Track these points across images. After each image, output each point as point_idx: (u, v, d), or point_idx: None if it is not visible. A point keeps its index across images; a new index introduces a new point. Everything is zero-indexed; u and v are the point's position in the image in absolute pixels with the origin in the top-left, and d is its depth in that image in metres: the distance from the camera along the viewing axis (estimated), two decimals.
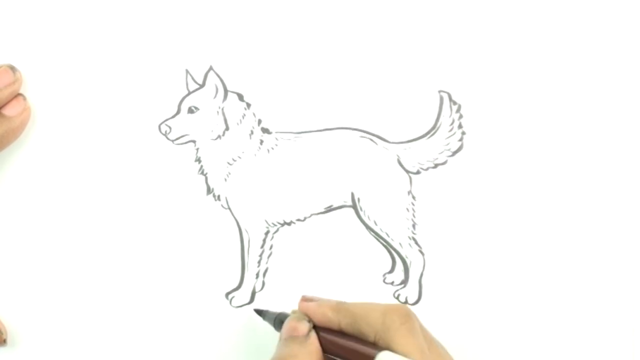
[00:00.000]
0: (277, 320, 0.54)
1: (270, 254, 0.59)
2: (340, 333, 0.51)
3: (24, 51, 0.60)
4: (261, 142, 0.60)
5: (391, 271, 0.59)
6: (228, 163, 0.60)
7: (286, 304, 0.56)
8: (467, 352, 0.58)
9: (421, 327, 0.51)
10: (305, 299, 0.54)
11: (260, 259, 0.59)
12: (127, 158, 0.59)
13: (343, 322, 0.51)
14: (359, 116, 0.60)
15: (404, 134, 0.60)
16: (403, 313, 0.50)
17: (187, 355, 0.59)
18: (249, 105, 0.60)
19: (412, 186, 0.60)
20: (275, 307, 0.56)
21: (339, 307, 0.52)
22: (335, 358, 0.51)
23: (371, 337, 0.49)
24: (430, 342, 0.51)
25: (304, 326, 0.51)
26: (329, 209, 0.60)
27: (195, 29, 0.60)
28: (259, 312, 0.57)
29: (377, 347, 0.49)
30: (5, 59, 0.59)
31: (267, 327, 0.56)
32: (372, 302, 0.51)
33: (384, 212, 0.59)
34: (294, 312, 0.53)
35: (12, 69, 0.58)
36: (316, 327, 0.52)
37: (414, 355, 0.48)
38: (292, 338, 0.51)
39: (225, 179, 0.60)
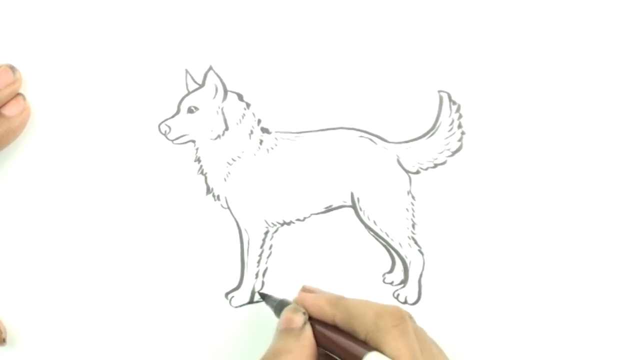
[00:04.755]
0: (278, 307, 0.54)
1: (270, 253, 0.59)
2: (334, 328, 0.51)
3: (24, 51, 0.60)
4: (261, 142, 0.60)
5: (391, 271, 0.59)
6: (228, 163, 0.60)
7: None
8: (467, 352, 0.58)
9: (417, 330, 0.51)
10: (305, 290, 0.54)
11: (260, 259, 0.59)
12: (126, 158, 0.59)
13: (337, 317, 0.51)
14: (358, 116, 0.60)
15: (404, 133, 0.60)
16: (397, 315, 0.49)
17: (187, 355, 0.59)
18: (248, 105, 0.60)
19: (411, 186, 0.59)
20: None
21: (336, 301, 0.52)
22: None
23: (362, 336, 0.49)
24: (425, 345, 0.50)
25: (299, 318, 0.51)
26: (329, 209, 0.60)
27: (195, 29, 0.60)
28: (263, 296, 0.57)
29: (368, 346, 0.49)
30: (5, 59, 0.59)
31: (266, 326, 0.56)
32: (369, 301, 0.51)
33: (383, 212, 0.59)
34: (295, 301, 0.54)
35: (12, 69, 0.58)
36: (312, 319, 0.52)
37: (403, 358, 0.47)
38: (287, 331, 0.51)
39: (225, 179, 0.60)
